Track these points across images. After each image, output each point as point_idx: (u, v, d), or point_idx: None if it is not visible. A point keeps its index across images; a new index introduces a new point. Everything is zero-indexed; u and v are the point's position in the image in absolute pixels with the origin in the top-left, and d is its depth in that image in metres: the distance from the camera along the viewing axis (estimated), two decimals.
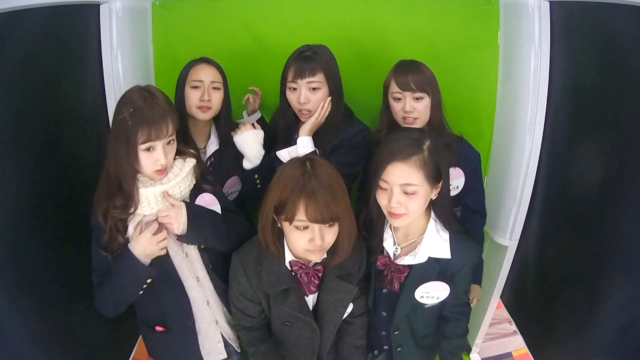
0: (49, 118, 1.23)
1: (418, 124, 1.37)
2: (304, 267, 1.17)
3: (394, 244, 1.21)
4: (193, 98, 1.39)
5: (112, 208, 1.13)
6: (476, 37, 1.55)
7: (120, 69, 1.46)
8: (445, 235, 1.18)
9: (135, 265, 1.13)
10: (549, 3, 1.39)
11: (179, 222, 1.16)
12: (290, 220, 1.06)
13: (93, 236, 1.17)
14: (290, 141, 1.46)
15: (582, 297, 1.30)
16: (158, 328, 1.27)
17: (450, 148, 1.36)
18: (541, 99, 1.44)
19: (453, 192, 1.39)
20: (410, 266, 1.19)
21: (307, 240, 1.07)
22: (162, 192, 1.15)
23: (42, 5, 1.12)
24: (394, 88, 1.38)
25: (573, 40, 1.35)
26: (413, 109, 1.36)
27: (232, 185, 1.54)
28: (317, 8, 1.54)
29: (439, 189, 1.14)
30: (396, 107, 1.39)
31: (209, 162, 1.48)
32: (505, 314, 1.95)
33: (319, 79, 1.37)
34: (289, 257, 1.17)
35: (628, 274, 1.11)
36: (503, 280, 1.72)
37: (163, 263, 1.18)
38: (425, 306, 1.24)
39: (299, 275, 1.18)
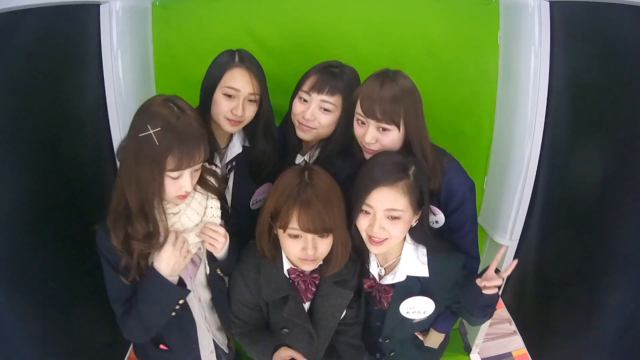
0: (49, 118, 1.23)
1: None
2: (301, 274, 1.18)
3: (378, 266, 1.21)
4: (224, 107, 1.20)
5: (136, 239, 1.01)
6: (476, 37, 1.54)
7: (120, 69, 1.46)
8: (423, 257, 1.18)
9: (166, 288, 1.04)
10: (549, 3, 1.39)
11: (223, 244, 1.12)
12: (284, 227, 1.07)
13: (105, 262, 1.06)
14: (293, 159, 1.39)
15: (582, 297, 1.30)
16: (162, 346, 1.23)
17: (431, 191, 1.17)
18: (541, 99, 1.44)
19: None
20: (394, 285, 1.20)
21: (299, 249, 1.08)
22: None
23: (42, 5, 1.12)
24: (358, 107, 1.14)
25: (573, 40, 1.35)
26: (375, 140, 1.13)
27: (261, 194, 1.38)
28: (317, 8, 1.53)
29: (419, 215, 1.12)
30: (358, 130, 1.17)
31: (229, 167, 1.34)
32: (505, 313, 1.94)
33: (334, 101, 1.23)
34: (287, 265, 1.18)
35: (628, 274, 1.11)
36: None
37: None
38: (414, 321, 1.24)
39: (296, 283, 1.19)
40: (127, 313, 1.08)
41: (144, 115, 0.96)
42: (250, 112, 1.23)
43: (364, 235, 1.12)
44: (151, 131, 0.92)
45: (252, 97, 1.22)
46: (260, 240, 1.14)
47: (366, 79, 1.17)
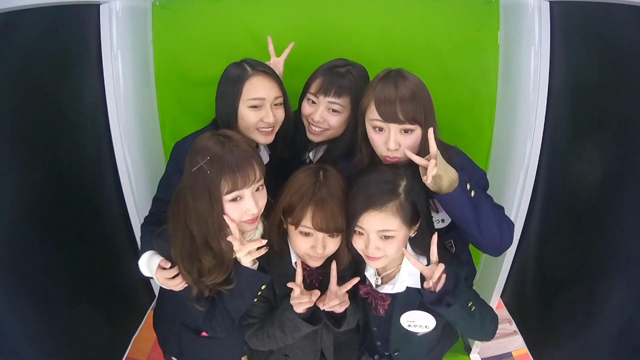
0: (48, 118, 1.23)
1: (401, 163, 1.12)
2: (307, 268, 1.19)
3: (375, 274, 1.20)
4: (253, 118, 1.17)
5: (205, 275, 1.05)
6: (476, 37, 1.55)
7: (120, 69, 1.46)
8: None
9: (251, 275, 1.09)
10: (549, 3, 1.39)
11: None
12: (296, 224, 1.08)
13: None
14: (301, 155, 1.38)
15: (582, 297, 1.30)
16: (204, 334, 1.25)
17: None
18: (541, 99, 1.44)
19: (437, 225, 1.22)
20: (392, 294, 1.18)
21: (309, 246, 1.10)
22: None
23: (42, 5, 1.12)
24: (372, 114, 1.07)
25: (573, 40, 1.35)
26: (398, 145, 1.07)
27: None
28: (317, 8, 1.54)
29: (417, 227, 1.10)
30: (377, 139, 1.09)
31: None
32: (505, 313, 1.94)
33: (343, 102, 1.21)
34: (294, 258, 1.19)
35: (628, 273, 1.11)
36: (503, 280, 1.72)
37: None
38: (418, 334, 1.22)
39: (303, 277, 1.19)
40: (212, 313, 1.14)
41: (193, 152, 1.01)
42: (280, 115, 1.21)
43: (362, 254, 1.11)
44: (201, 162, 0.96)
45: (278, 101, 1.21)
46: (269, 234, 1.15)
47: (371, 83, 1.12)
